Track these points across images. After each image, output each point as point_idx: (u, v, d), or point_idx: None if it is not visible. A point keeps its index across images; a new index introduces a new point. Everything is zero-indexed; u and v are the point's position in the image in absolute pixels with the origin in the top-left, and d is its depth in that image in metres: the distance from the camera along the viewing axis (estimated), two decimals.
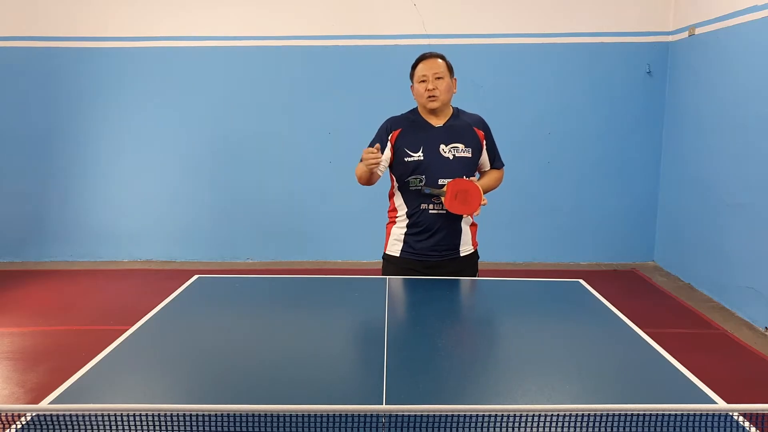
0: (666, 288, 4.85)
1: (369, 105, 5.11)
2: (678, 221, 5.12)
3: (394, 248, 2.53)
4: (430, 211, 2.45)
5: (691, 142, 4.89)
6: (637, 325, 1.91)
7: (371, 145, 2.44)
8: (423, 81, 2.41)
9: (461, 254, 2.52)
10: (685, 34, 4.95)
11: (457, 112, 2.53)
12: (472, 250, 2.57)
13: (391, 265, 2.54)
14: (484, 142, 2.53)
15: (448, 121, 2.49)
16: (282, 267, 5.47)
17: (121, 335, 1.80)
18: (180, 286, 2.28)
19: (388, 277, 2.43)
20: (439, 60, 2.44)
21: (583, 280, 2.39)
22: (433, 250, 2.48)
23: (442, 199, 2.39)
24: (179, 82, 5.38)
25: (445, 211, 2.43)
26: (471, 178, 2.45)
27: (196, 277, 2.40)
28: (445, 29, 5.27)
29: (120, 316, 4.10)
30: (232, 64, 5.36)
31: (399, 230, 2.53)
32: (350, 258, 5.57)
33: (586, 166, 5.44)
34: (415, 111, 2.54)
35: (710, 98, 4.59)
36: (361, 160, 2.35)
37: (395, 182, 2.52)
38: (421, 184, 2.42)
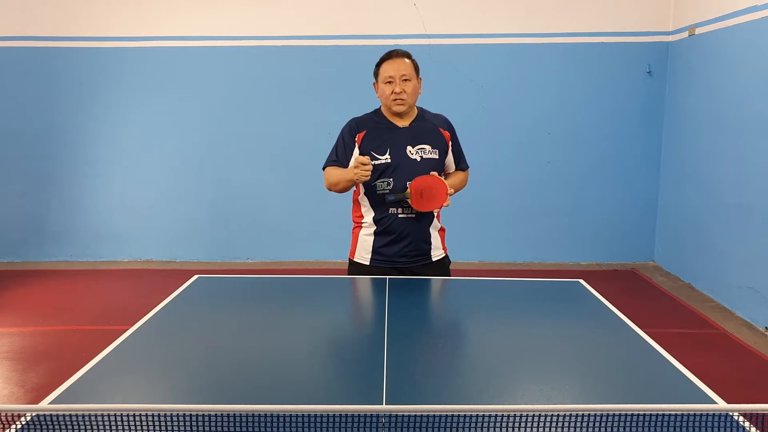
0: (666, 288, 4.85)
1: (369, 105, 5.04)
2: (678, 221, 5.12)
3: (363, 256, 2.46)
4: (400, 216, 2.39)
5: (691, 141, 4.89)
6: (637, 325, 1.91)
7: (336, 148, 2.44)
8: (389, 82, 2.34)
9: (433, 259, 2.48)
10: (685, 34, 4.95)
11: (422, 113, 2.48)
12: (443, 255, 2.53)
13: (359, 272, 2.47)
14: (450, 143, 2.49)
15: (413, 122, 2.43)
16: (282, 267, 5.47)
17: (121, 335, 1.80)
18: (180, 286, 2.28)
19: (388, 277, 2.42)
20: (406, 60, 2.36)
21: (583, 280, 2.38)
22: (403, 255, 2.42)
23: (409, 201, 2.33)
24: (179, 82, 5.38)
25: (414, 214, 2.38)
26: (432, 173, 2.37)
27: (196, 277, 2.40)
28: (445, 29, 5.26)
29: (120, 316, 4.10)
30: (232, 64, 5.36)
31: (367, 237, 2.45)
32: None
33: (586, 166, 5.44)
34: (378, 112, 2.48)
35: (710, 98, 4.59)
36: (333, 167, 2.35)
37: (361, 186, 2.43)
38: (388, 188, 2.36)
